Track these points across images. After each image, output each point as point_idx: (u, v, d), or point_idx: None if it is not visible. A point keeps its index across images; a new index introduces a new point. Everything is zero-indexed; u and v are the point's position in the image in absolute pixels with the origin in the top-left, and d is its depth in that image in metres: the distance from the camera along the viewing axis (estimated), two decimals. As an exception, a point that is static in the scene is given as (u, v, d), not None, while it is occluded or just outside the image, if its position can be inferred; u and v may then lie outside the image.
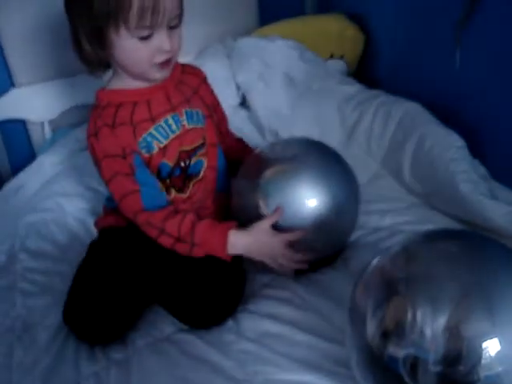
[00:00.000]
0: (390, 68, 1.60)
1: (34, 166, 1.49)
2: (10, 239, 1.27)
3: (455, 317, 0.65)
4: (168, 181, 1.04)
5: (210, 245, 0.98)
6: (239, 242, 0.99)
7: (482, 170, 1.24)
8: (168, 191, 1.05)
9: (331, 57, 1.62)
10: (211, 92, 1.14)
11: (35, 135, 1.62)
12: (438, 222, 1.20)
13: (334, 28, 1.64)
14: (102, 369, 0.93)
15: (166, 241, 0.99)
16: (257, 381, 0.87)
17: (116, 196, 1.00)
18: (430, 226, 1.17)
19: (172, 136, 1.02)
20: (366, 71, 1.68)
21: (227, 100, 1.44)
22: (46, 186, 1.42)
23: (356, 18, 1.66)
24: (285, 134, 1.44)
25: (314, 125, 1.45)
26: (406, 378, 0.67)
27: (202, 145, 1.07)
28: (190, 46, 1.29)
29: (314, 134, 1.35)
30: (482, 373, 0.64)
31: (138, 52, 0.93)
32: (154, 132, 1.00)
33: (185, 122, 1.03)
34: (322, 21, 1.68)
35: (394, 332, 0.68)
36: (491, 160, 1.24)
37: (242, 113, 1.53)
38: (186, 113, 1.04)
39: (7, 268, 1.20)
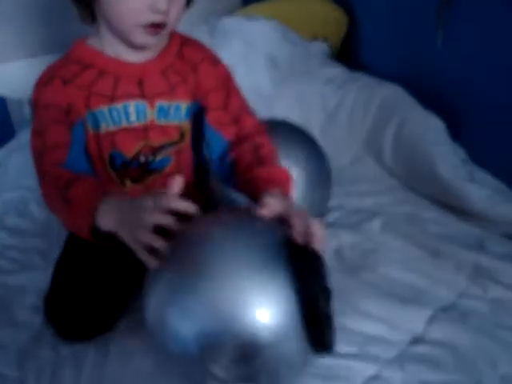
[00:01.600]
0: (373, 50, 1.60)
1: (14, 143, 1.48)
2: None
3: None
4: (122, 171, 0.92)
5: (80, 204, 0.74)
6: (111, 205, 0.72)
7: (462, 153, 1.25)
8: (122, 182, 0.94)
9: (314, 38, 1.61)
10: (215, 74, 0.93)
11: (15, 113, 1.60)
12: (417, 203, 1.22)
13: (318, 10, 1.64)
14: (80, 350, 0.91)
15: (45, 187, 0.81)
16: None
17: (39, 147, 0.83)
18: (406, 208, 1.19)
19: (125, 125, 0.89)
20: (349, 53, 1.68)
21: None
22: (26, 164, 1.40)
23: (340, 0, 1.66)
24: (266, 115, 1.43)
25: (296, 106, 1.46)
26: None
27: (176, 143, 0.93)
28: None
29: (296, 115, 1.35)
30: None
31: (128, 2, 0.80)
32: (105, 112, 0.88)
33: (154, 117, 0.90)
34: (306, 2, 1.67)
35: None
36: (471, 143, 1.26)
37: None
38: (160, 107, 0.90)
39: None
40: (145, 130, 0.91)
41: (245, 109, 0.95)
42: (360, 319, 0.92)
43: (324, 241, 0.69)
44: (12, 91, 1.56)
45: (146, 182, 0.94)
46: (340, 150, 1.38)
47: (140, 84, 0.89)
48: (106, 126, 0.89)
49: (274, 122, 1.17)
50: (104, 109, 0.88)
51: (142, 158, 0.92)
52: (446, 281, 0.99)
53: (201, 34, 1.54)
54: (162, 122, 0.91)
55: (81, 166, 0.85)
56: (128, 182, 0.94)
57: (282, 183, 0.83)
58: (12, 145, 1.48)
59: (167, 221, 0.68)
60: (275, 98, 1.47)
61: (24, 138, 1.43)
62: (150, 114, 0.90)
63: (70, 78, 0.87)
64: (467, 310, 0.94)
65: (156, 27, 0.83)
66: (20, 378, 0.88)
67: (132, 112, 0.89)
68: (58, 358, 0.91)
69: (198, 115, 0.94)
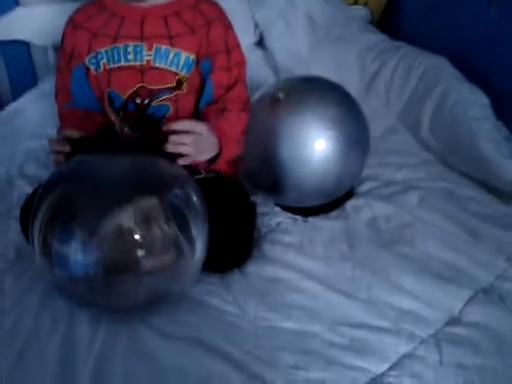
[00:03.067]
0: (415, 19, 1.52)
1: (36, 91, 1.42)
2: (7, 164, 1.22)
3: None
4: (121, 113, 0.96)
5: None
6: None
7: (506, 131, 1.19)
8: (122, 126, 0.96)
9: (355, 3, 1.53)
10: (225, 36, 1.00)
11: (38, 60, 1.54)
12: (454, 180, 1.16)
13: (361, -28, 1.56)
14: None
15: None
16: (259, 327, 0.83)
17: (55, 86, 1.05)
18: (443, 184, 1.13)
19: (123, 64, 0.96)
20: (390, 21, 1.60)
21: (242, 38, 1.35)
22: (47, 113, 1.35)
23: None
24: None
25: (332, 70, 1.38)
26: None
27: (171, 89, 0.98)
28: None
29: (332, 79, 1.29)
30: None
31: None
32: (108, 51, 0.97)
33: (150, 58, 0.96)
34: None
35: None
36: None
37: (258, 52, 1.45)
38: (157, 49, 0.96)
39: (5, 194, 1.15)
40: (141, 71, 0.96)
41: (241, 78, 1.02)
42: (395, 294, 0.88)
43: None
44: (36, 37, 1.49)
45: (142, 132, 0.96)
46: (375, 119, 1.31)
47: (141, 26, 0.96)
48: (106, 64, 0.97)
49: (310, 77, 1.12)
50: (107, 48, 0.96)
51: (137, 100, 0.97)
52: (485, 262, 0.94)
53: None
54: (158, 65, 0.96)
55: (87, 104, 1.01)
56: (127, 128, 0.94)
57: (218, 132, 0.93)
58: (34, 93, 1.42)
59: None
60: (311, 61, 1.41)
61: (46, 86, 1.39)
62: (147, 56, 0.96)
63: (82, 21, 0.99)
64: (506, 293, 0.89)
65: None
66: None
67: (130, 51, 0.95)
68: (73, 307, 0.86)
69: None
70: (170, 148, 0.85)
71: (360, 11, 1.52)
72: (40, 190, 0.83)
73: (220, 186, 0.97)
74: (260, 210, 1.05)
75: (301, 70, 1.39)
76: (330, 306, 0.85)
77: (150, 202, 0.78)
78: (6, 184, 1.18)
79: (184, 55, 0.97)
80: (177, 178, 0.82)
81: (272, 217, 1.05)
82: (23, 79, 1.54)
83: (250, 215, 0.98)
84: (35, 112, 1.37)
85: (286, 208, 1.06)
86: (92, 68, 0.99)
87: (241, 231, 0.94)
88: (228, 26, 1.01)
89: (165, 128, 0.87)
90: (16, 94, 1.47)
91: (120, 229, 0.76)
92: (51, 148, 0.90)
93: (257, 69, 1.38)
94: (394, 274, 0.90)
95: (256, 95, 1.11)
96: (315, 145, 0.98)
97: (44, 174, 1.19)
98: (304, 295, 0.87)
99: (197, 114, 1.00)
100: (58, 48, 1.03)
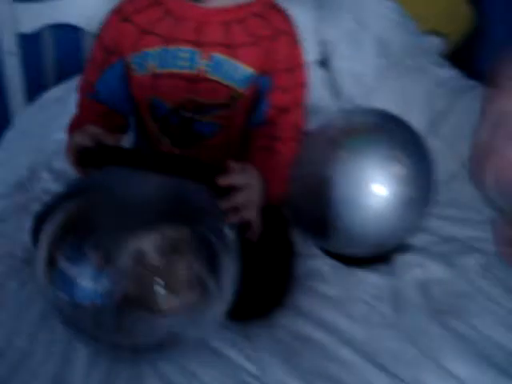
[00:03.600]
0: (498, 58, 1.38)
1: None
2: (34, 153, 1.13)
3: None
4: (163, 125, 0.89)
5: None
6: None
7: None
8: (160, 139, 0.90)
9: (432, 31, 1.41)
10: (292, 53, 0.90)
11: (88, 47, 1.46)
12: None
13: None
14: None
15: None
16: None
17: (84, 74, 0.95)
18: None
19: (172, 70, 0.85)
20: (467, 56, 1.47)
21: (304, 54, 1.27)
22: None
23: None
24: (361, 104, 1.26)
25: (396, 102, 1.26)
26: None
27: (224, 106, 0.87)
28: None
29: (395, 112, 1.17)
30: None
31: None
32: (157, 53, 0.86)
33: (204, 68, 0.85)
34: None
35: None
36: None
37: (319, 72, 1.34)
38: (213, 58, 0.85)
39: (26, 185, 1.07)
40: (192, 81, 0.85)
41: (300, 102, 0.91)
42: (438, 375, 0.75)
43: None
44: (87, 23, 1.41)
45: (186, 148, 0.89)
46: (438, 163, 1.19)
47: (198, 30, 0.85)
48: (153, 68, 0.86)
49: (375, 111, 1.00)
50: (156, 50, 0.85)
51: (183, 113, 0.87)
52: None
53: (307, 3, 1.37)
54: (213, 76, 0.85)
55: (113, 103, 0.91)
56: (166, 141, 0.88)
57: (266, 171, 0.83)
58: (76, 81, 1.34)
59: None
60: (375, 88, 1.29)
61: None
62: (201, 64, 0.85)
63: (130, 13, 0.87)
64: None
65: None
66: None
67: (184, 57, 0.85)
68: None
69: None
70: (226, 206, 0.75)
71: (435, 41, 1.39)
72: (56, 198, 0.74)
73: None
74: (297, 248, 0.93)
75: (362, 97, 1.28)
76: (368, 383, 0.72)
77: (178, 232, 0.67)
78: (29, 174, 1.09)
79: (243, 69, 0.86)
80: (212, 209, 0.71)
81: (310, 260, 0.93)
82: (70, 66, 1.47)
83: (286, 255, 0.87)
84: (74, 102, 1.28)
85: (328, 252, 0.95)
86: (136, 69, 0.88)
87: (273, 273, 0.83)
88: (296, 42, 0.90)
89: (221, 182, 0.76)
90: (61, 80, 1.41)
91: (140, 257, 0.65)
92: (75, 140, 0.81)
93: (316, 89, 1.27)
94: (443, 355, 0.77)
95: (313, 121, 0.99)
96: (374, 188, 0.87)
97: (72, 172, 1.11)
98: (338, 364, 0.74)
99: (245, 135, 0.90)
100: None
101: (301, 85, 0.92)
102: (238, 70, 0.85)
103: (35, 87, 1.38)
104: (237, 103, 0.87)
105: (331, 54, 1.33)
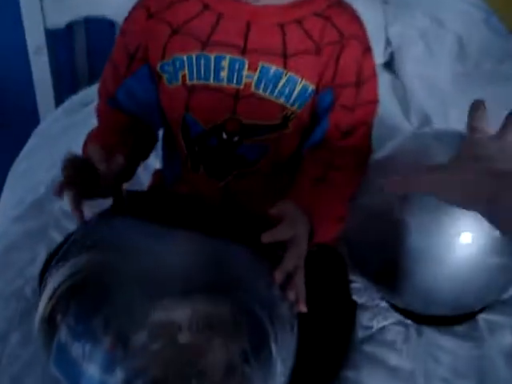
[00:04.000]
0: None
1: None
2: (57, 168, 0.99)
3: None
4: (197, 147, 0.73)
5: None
6: None
7: None
8: (194, 165, 0.74)
9: (518, 32, 1.23)
10: (360, 63, 0.71)
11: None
12: None
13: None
14: None
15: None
16: None
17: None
18: None
19: (211, 83, 0.69)
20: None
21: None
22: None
23: None
24: (437, 119, 1.08)
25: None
26: None
27: (274, 128, 0.71)
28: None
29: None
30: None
31: None
32: (190, 60, 0.69)
33: (251, 81, 0.68)
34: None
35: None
36: None
37: (385, 76, 1.17)
38: (263, 70, 0.68)
39: (43, 206, 0.94)
40: (235, 98, 0.69)
41: (367, 122, 0.74)
42: None
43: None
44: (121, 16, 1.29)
45: (225, 179, 0.73)
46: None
47: (245, 32, 0.68)
48: (186, 79, 0.69)
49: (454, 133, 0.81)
50: (191, 55, 0.68)
51: (224, 135, 0.71)
52: None
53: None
54: (262, 92, 0.68)
55: (140, 113, 0.75)
56: (201, 169, 0.73)
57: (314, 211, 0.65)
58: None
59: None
60: (452, 97, 1.12)
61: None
62: (248, 77, 0.68)
63: (160, 9, 0.70)
64: None
65: None
66: None
67: (225, 67, 0.68)
68: None
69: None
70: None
71: (520, 42, 1.20)
72: (65, 246, 0.60)
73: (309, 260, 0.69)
74: (359, 299, 0.77)
75: (436, 108, 1.11)
76: None
77: (216, 305, 0.52)
78: (47, 192, 0.96)
79: (301, 84, 0.68)
80: (262, 275, 0.55)
81: (375, 315, 0.77)
82: (104, 64, 1.36)
83: (345, 313, 0.71)
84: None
85: (395, 306, 0.78)
86: (165, 78, 0.71)
87: (329, 339, 0.67)
88: (367, 50, 0.72)
89: (265, 239, 0.57)
90: (94, 77, 1.29)
91: (165, 338, 0.51)
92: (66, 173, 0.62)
93: (380, 97, 1.10)
94: None
95: (378, 145, 0.82)
96: (459, 238, 0.69)
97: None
98: None
99: (296, 161, 0.74)
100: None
101: (369, 102, 0.74)
102: (293, 85, 0.68)
103: (65, 88, 1.26)
104: (289, 123, 0.72)
105: (399, 56, 1.17)
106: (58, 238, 0.88)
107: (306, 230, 0.62)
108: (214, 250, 0.54)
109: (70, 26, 1.28)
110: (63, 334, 0.53)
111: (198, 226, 0.55)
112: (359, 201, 0.74)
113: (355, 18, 0.72)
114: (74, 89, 1.27)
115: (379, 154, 0.81)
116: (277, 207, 0.60)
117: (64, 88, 1.31)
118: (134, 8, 0.72)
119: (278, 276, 0.55)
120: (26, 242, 0.87)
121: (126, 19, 0.74)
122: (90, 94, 1.17)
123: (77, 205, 0.61)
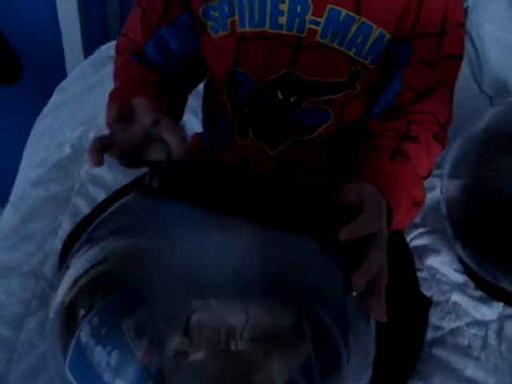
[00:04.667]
0: None
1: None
2: (83, 126, 0.90)
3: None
4: (246, 110, 0.63)
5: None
6: None
7: None
8: (242, 131, 0.64)
9: None
10: (446, 7, 0.59)
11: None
12: None
13: None
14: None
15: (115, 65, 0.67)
16: None
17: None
18: None
19: (266, 30, 0.58)
20: None
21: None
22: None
23: None
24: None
25: None
26: None
27: (340, 86, 0.61)
28: None
29: None
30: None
31: None
32: (242, 3, 0.58)
33: (316, 28, 0.58)
34: None
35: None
36: None
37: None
38: (332, 14, 0.57)
39: (67, 168, 0.85)
40: (295, 48, 0.59)
41: (449, 81, 0.62)
42: None
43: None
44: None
45: (277, 147, 0.63)
46: None
47: None
48: (236, 26, 0.59)
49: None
50: None
51: (279, 94, 0.61)
52: None
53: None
54: (328, 42, 0.58)
55: (172, 73, 0.65)
56: (250, 133, 0.63)
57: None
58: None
59: None
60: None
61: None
62: (312, 24, 0.57)
63: None
64: None
65: None
66: None
67: (284, 11, 0.58)
68: None
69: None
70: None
71: None
72: (95, 223, 0.49)
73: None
74: (426, 292, 0.67)
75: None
76: None
77: (275, 311, 0.42)
78: (73, 153, 0.87)
79: (376, 32, 0.58)
80: (334, 276, 0.44)
81: (446, 314, 0.67)
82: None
83: (419, 318, 0.60)
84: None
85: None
86: (209, 26, 0.61)
87: (400, 346, 0.58)
88: None
89: (343, 237, 0.44)
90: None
91: (211, 347, 0.41)
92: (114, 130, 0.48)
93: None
94: None
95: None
96: None
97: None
98: None
99: (362, 130, 0.63)
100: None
101: (454, 57, 0.62)
102: (367, 33, 0.58)
103: (95, 37, 1.16)
104: (357, 81, 0.61)
105: (475, 14, 1.04)
106: (84, 206, 0.79)
107: (386, 220, 0.51)
108: (274, 242, 0.44)
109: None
110: (84, 333, 0.43)
111: (256, 211, 0.44)
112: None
113: None
114: (103, 39, 1.17)
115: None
116: (354, 190, 0.48)
117: (94, 37, 1.21)
118: None
119: (360, 281, 0.43)
120: (46, 210, 0.79)
121: None
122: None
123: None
